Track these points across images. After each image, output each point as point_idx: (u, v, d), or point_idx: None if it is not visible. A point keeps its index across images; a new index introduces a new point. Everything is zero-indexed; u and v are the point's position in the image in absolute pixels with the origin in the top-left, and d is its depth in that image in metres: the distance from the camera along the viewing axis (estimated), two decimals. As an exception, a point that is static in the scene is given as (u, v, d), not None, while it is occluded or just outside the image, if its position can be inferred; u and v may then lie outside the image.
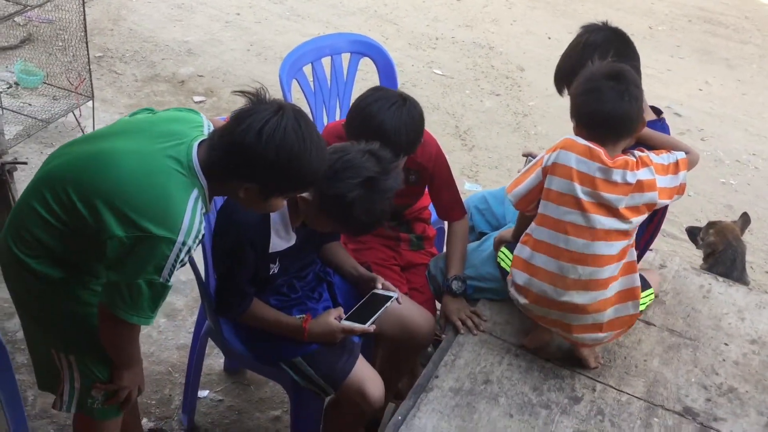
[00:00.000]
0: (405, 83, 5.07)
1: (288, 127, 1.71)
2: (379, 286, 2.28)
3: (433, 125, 4.73)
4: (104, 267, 1.79)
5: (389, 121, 2.19)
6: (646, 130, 2.20)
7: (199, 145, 1.80)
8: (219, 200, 2.17)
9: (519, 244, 2.16)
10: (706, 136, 4.92)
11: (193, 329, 2.71)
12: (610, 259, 2.07)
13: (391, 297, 2.22)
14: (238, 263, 2.08)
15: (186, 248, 1.73)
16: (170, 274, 1.74)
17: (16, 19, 4.65)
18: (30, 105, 4.04)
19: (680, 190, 2.16)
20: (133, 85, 4.71)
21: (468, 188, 4.13)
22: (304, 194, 2.00)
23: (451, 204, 2.57)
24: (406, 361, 2.54)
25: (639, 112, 2.07)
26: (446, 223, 2.64)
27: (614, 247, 2.06)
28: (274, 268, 2.17)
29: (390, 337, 2.44)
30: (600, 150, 2.04)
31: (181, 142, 1.80)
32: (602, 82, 2.02)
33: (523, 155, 2.59)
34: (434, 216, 2.78)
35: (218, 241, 2.13)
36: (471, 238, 2.85)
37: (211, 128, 1.94)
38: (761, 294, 2.70)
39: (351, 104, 2.33)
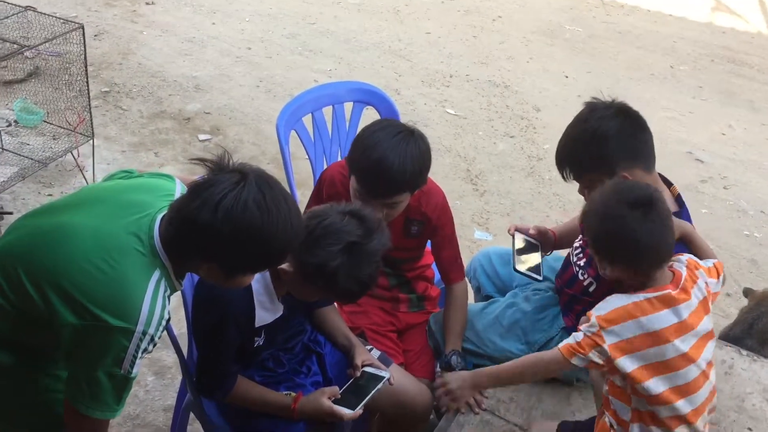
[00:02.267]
0: (416, 123, 4.89)
1: (249, 201, 1.54)
2: (360, 364, 2.13)
3: (444, 168, 4.60)
4: (61, 356, 1.64)
5: (393, 151, 2.04)
6: (691, 231, 2.05)
7: (163, 218, 1.65)
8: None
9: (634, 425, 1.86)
10: (729, 184, 4.72)
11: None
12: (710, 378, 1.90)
13: (383, 378, 2.07)
14: (221, 342, 1.92)
15: (148, 337, 1.57)
16: (132, 365, 1.58)
17: (24, 52, 4.61)
18: (28, 144, 3.94)
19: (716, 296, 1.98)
20: (138, 121, 4.61)
21: (478, 237, 3.97)
22: (284, 265, 1.85)
23: (449, 264, 2.42)
24: (402, 437, 2.37)
25: (673, 233, 1.85)
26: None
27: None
28: (259, 341, 2.02)
29: (385, 413, 2.28)
30: (665, 290, 1.79)
31: (144, 214, 1.65)
32: (631, 219, 1.74)
33: (510, 233, 2.39)
34: (438, 275, 2.63)
35: (199, 318, 1.98)
36: (477, 298, 2.71)
37: None
38: (788, 371, 2.50)
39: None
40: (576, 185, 2.18)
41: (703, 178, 4.73)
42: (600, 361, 1.79)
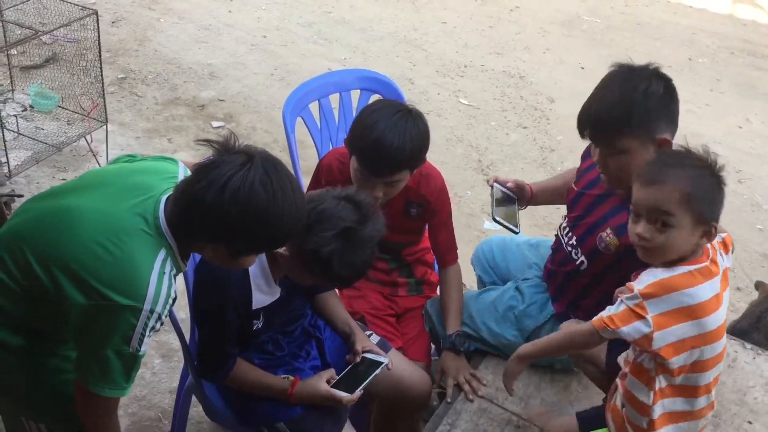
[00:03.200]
0: (430, 113, 4.93)
1: (255, 182, 1.55)
2: (360, 350, 2.14)
3: (455, 158, 4.60)
4: (70, 336, 1.67)
5: (391, 130, 2.06)
6: None
7: (168, 199, 1.68)
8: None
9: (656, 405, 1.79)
10: (744, 178, 4.68)
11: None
12: None
13: (381, 364, 2.08)
14: (219, 324, 1.94)
15: (155, 315, 1.60)
16: (140, 344, 1.60)
17: (42, 38, 4.66)
18: (43, 129, 3.99)
19: None
20: (152, 108, 4.65)
21: (487, 227, 3.97)
22: (280, 249, 1.86)
23: (446, 246, 2.43)
24: (401, 422, 2.39)
25: None
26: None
27: None
28: (258, 324, 2.04)
29: (383, 398, 2.30)
30: (703, 262, 1.74)
31: (149, 196, 1.67)
32: (716, 178, 1.74)
33: (489, 184, 2.38)
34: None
35: (198, 300, 2.01)
36: (479, 287, 2.72)
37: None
38: (792, 365, 2.48)
39: None
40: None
41: (717, 171, 4.68)
42: (640, 335, 1.69)
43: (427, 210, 2.36)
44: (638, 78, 1.98)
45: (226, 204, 1.54)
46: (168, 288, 1.63)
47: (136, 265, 1.60)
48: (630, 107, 1.94)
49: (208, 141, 1.63)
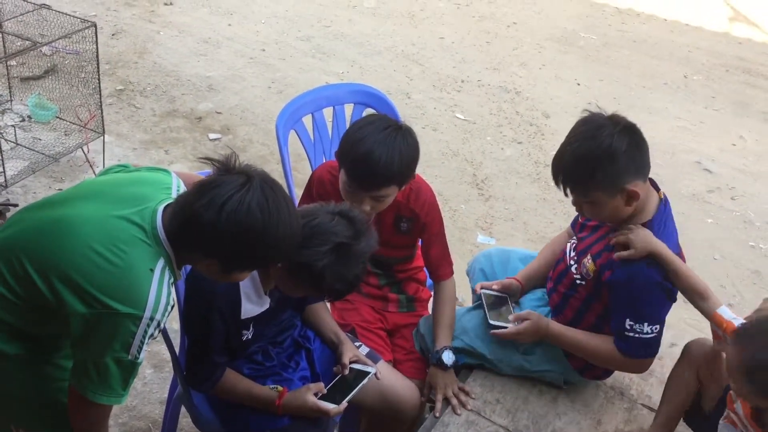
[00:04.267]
0: (425, 127, 4.97)
1: (253, 203, 1.60)
2: (348, 362, 2.16)
3: (450, 172, 4.63)
4: (69, 344, 1.69)
5: (380, 145, 2.08)
6: (662, 250, 2.05)
7: (165, 209, 1.71)
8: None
9: None
10: (737, 195, 4.70)
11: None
12: None
13: (368, 373, 2.10)
14: (207, 334, 1.97)
15: (155, 323, 1.63)
16: (139, 351, 1.63)
17: (42, 49, 4.70)
18: (40, 139, 4.02)
19: None
20: (150, 120, 4.68)
21: (481, 241, 3.99)
22: None
23: (438, 261, 2.44)
24: (390, 433, 2.40)
25: None
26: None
27: None
28: (248, 334, 2.06)
29: (373, 411, 2.31)
30: None
31: (145, 206, 1.70)
32: None
33: (477, 292, 2.40)
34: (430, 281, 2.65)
35: (187, 309, 2.04)
36: (474, 298, 2.72)
37: (182, 188, 1.85)
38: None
39: None
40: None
41: (710, 188, 4.71)
42: None
43: (417, 224, 2.38)
44: (602, 135, 2.03)
45: (222, 223, 1.59)
46: (167, 296, 1.66)
47: (137, 273, 1.63)
48: (594, 165, 2.02)
49: (209, 159, 1.68)
